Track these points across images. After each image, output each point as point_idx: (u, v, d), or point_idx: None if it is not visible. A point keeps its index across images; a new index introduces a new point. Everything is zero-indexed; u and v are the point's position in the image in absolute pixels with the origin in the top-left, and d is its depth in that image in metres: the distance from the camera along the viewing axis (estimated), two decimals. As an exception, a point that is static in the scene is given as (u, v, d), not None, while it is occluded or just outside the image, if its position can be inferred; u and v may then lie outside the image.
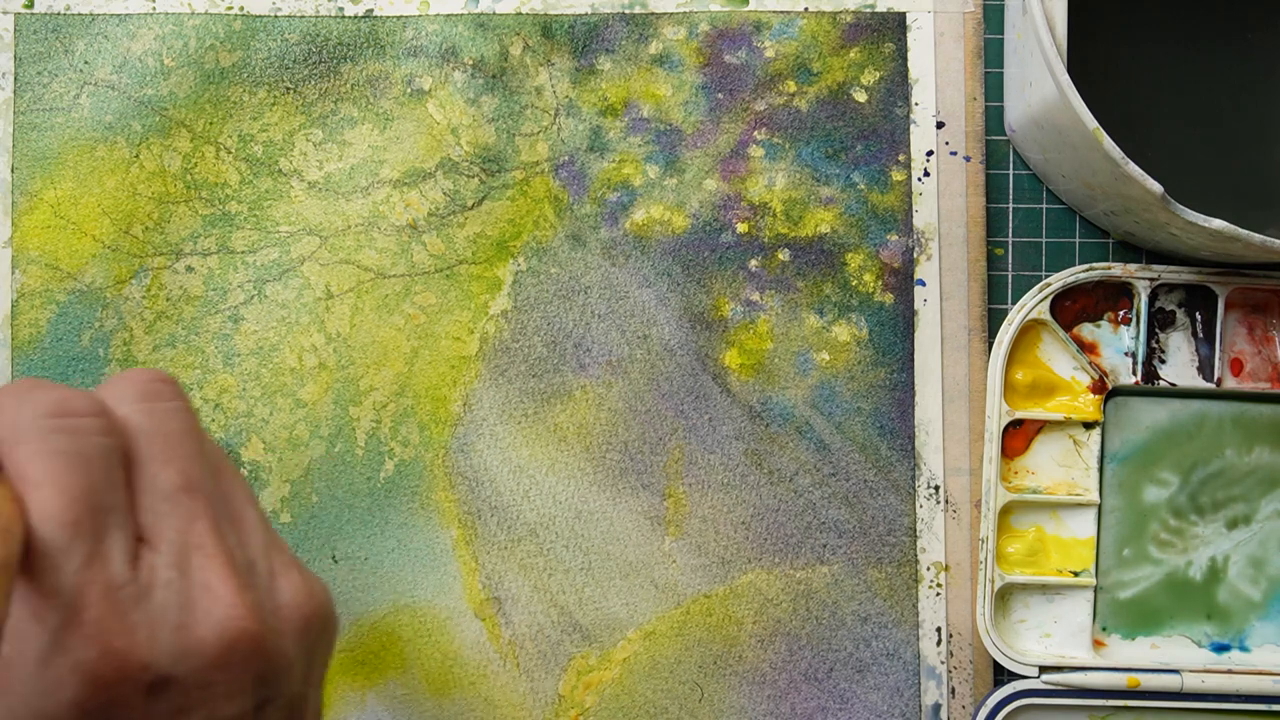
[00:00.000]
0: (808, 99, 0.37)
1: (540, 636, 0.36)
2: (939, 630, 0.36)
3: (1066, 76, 0.31)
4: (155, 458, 0.23)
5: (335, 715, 0.36)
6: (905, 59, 0.37)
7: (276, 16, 0.37)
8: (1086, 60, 0.34)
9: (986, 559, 0.35)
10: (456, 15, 0.37)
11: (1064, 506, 0.36)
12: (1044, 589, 0.36)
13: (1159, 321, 0.36)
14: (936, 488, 0.36)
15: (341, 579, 0.36)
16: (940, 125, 0.37)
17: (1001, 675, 0.36)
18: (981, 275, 0.36)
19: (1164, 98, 0.37)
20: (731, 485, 0.36)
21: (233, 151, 0.36)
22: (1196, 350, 0.36)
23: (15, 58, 0.36)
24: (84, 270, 0.36)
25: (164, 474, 0.23)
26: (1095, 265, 0.36)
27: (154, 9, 0.36)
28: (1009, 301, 0.37)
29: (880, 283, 0.37)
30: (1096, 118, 0.30)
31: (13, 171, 0.36)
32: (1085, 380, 0.36)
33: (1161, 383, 0.36)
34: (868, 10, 0.37)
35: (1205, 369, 0.36)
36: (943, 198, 0.37)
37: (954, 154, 0.37)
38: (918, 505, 0.36)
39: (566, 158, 0.37)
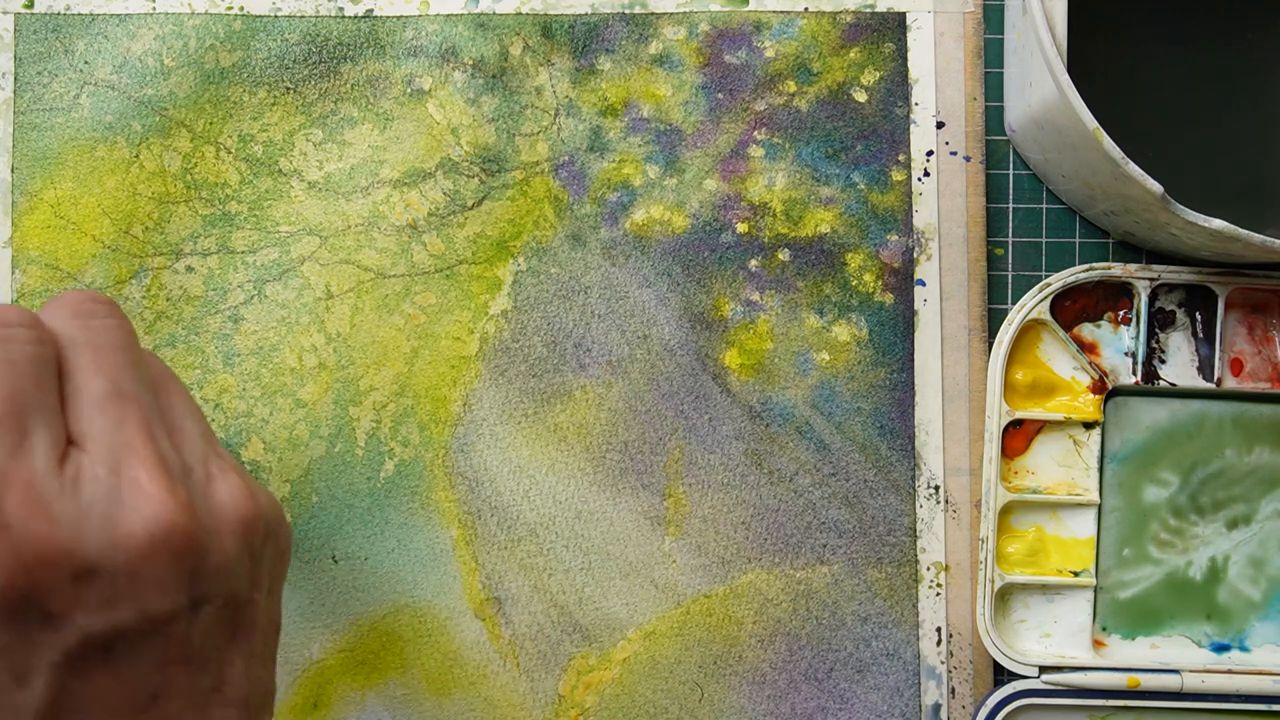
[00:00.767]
0: (808, 99, 0.37)
1: (540, 636, 0.36)
2: (939, 630, 0.36)
3: (1066, 76, 0.31)
4: (84, 367, 0.24)
5: (335, 715, 0.36)
6: (905, 59, 0.37)
7: (276, 16, 0.37)
8: (1086, 60, 0.34)
9: (986, 559, 0.35)
10: (456, 15, 0.37)
11: (1064, 506, 0.36)
12: (1044, 589, 0.36)
13: (1159, 321, 0.36)
14: (936, 488, 0.36)
15: (341, 579, 0.36)
16: (940, 125, 0.37)
17: (1001, 675, 0.36)
18: (981, 275, 0.36)
19: (1164, 98, 0.37)
20: (731, 485, 0.36)
21: (233, 151, 0.36)
22: (1196, 350, 0.36)
23: (15, 58, 0.36)
24: (84, 270, 0.36)
25: (93, 382, 0.24)
26: (1095, 265, 0.36)
27: (154, 9, 0.36)
28: (1009, 301, 0.37)
29: (880, 283, 0.37)
30: (1096, 118, 0.30)
31: (13, 171, 0.36)
32: (1085, 380, 0.36)
33: (1161, 383, 0.36)
34: (868, 10, 0.37)
35: (1205, 369, 0.36)
36: (943, 198, 0.37)
37: (954, 154, 0.37)
38: (918, 505, 0.36)
39: (566, 158, 0.37)
